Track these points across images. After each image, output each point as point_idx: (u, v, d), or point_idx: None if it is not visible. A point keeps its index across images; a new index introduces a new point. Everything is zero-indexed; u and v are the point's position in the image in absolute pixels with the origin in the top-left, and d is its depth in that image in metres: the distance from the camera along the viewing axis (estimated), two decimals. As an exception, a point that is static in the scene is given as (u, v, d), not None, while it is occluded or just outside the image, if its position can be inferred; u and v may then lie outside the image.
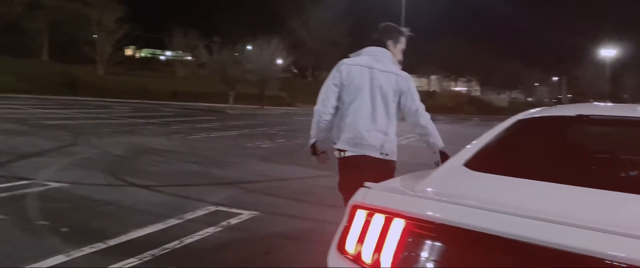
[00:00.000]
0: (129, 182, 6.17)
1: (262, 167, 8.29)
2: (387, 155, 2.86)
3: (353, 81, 2.85)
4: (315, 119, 2.93)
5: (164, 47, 47.01)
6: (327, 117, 2.92)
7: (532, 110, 2.71)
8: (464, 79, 79.14)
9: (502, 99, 75.45)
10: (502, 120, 2.54)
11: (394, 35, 3.07)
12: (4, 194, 5.04)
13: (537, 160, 2.17)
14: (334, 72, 2.92)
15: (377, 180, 2.79)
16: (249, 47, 34.44)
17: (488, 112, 58.51)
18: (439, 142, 2.96)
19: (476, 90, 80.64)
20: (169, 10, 66.95)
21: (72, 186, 5.66)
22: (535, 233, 1.38)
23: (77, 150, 8.70)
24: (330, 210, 4.94)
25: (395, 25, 3.15)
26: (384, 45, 3.00)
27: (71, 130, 11.90)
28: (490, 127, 2.50)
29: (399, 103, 2.92)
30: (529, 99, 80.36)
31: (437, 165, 2.81)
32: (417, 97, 2.93)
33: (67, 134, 11.01)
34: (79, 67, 36.73)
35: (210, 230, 4.24)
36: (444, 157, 2.87)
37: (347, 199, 2.94)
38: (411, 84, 2.94)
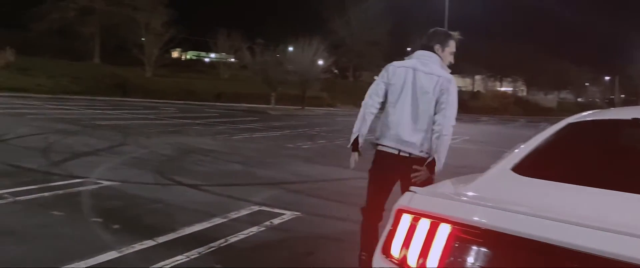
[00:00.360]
0: (177, 181, 6.36)
1: (303, 168, 8.36)
2: (427, 153, 2.98)
3: (397, 81, 3.02)
4: (362, 111, 3.12)
5: (209, 50, 48.08)
6: (374, 110, 3.12)
7: (583, 113, 2.62)
8: (509, 79, 77.03)
9: (549, 99, 72.95)
10: (550, 121, 2.48)
11: (441, 39, 3.14)
12: (60, 192, 5.31)
13: (588, 165, 2.10)
14: (382, 72, 3.13)
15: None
16: (291, 49, 34.72)
17: (535, 113, 56.72)
18: (441, 150, 2.95)
19: (522, 91, 78.32)
20: (213, 13, 68.49)
21: (123, 184, 5.89)
22: (586, 242, 1.35)
23: (127, 149, 9.04)
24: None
25: (444, 30, 3.24)
26: (432, 49, 3.10)
27: (121, 130, 12.37)
28: (537, 128, 2.44)
29: (437, 102, 3.01)
30: (579, 100, 77.33)
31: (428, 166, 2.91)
32: (452, 98, 3.01)
33: (118, 134, 11.46)
34: (128, 69, 38.07)
35: (254, 229, 4.32)
36: (432, 164, 2.92)
37: (376, 193, 3.14)
38: (452, 86, 3.03)
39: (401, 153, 3.00)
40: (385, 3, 53.80)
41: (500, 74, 73.67)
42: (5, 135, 9.64)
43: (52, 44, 37.63)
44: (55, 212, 4.49)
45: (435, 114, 2.98)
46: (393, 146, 3.02)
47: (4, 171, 6.27)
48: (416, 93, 2.97)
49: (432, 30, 3.20)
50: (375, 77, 3.18)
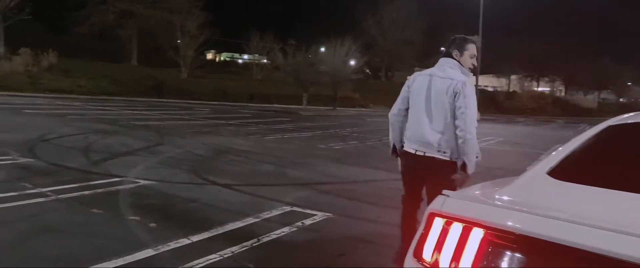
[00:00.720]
0: (211, 181, 6.48)
1: (334, 169, 8.37)
2: (445, 153, 3.16)
3: (416, 88, 3.28)
4: (390, 121, 3.45)
5: (242, 51, 48.79)
6: (400, 118, 3.38)
7: (625, 116, 2.53)
8: (546, 79, 74.94)
9: (589, 99, 70.59)
10: (590, 122, 2.41)
11: (459, 44, 3.31)
12: (99, 190, 5.49)
13: (629, 170, 2.03)
14: (406, 81, 3.41)
15: (435, 176, 3.15)
16: (323, 49, 34.81)
17: (574, 114, 55.01)
18: (466, 152, 3.10)
19: (560, 91, 76.06)
20: (246, 15, 69.37)
21: (159, 184, 6.04)
22: (625, 249, 1.31)
23: (163, 149, 9.26)
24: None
25: (462, 35, 3.39)
26: (451, 56, 3.29)
27: (157, 130, 12.67)
28: (576, 130, 2.38)
29: (454, 106, 3.15)
30: (622, 100, 74.50)
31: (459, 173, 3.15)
32: (469, 101, 3.11)
33: (154, 134, 11.75)
34: (164, 71, 38.98)
35: (286, 229, 4.36)
36: (464, 167, 3.12)
37: (408, 184, 3.42)
38: (466, 88, 3.14)
39: (417, 152, 3.24)
40: (419, 2, 53.36)
41: (538, 74, 71.72)
42: (48, 135, 10.02)
43: (91, 46, 38.89)
44: (95, 210, 4.65)
45: (455, 119, 3.10)
46: (411, 146, 3.28)
47: (47, 170, 6.53)
48: (430, 96, 3.17)
49: (451, 37, 3.37)
50: (408, 77, 3.42)
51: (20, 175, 5.99)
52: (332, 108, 32.37)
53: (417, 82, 3.26)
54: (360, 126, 20.05)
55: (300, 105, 31.68)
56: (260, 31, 42.29)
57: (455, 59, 3.25)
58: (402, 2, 52.47)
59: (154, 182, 6.09)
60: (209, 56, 56.81)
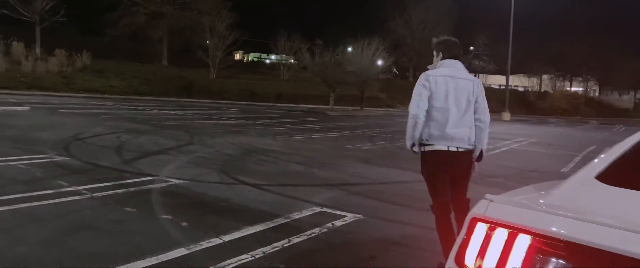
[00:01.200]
0: (240, 181, 6.52)
1: (363, 169, 8.32)
2: (472, 145, 3.53)
3: (440, 89, 3.44)
4: (412, 122, 3.49)
5: (269, 51, 49.05)
6: (423, 119, 3.48)
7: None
8: (579, 79, 72.94)
9: (625, 100, 68.38)
10: (626, 123, 2.30)
11: (461, 48, 3.75)
12: (132, 189, 5.59)
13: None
14: (423, 82, 3.49)
15: (465, 168, 3.53)
16: (350, 49, 34.72)
17: (608, 115, 53.38)
18: (484, 142, 3.60)
19: (594, 91, 73.92)
20: (274, 16, 69.83)
21: (191, 183, 6.11)
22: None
23: (193, 149, 9.37)
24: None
25: (456, 40, 3.75)
26: (457, 58, 3.63)
27: (187, 130, 12.85)
28: (611, 130, 2.27)
29: (475, 102, 3.55)
30: (660, 100, 71.92)
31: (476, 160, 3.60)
32: (484, 97, 3.62)
33: (184, 133, 11.91)
34: (193, 71, 39.56)
35: (316, 231, 4.34)
36: (481, 154, 3.59)
37: (439, 188, 3.49)
38: (482, 87, 3.64)
39: (450, 148, 3.43)
40: (448, 1, 52.63)
41: (571, 73, 69.86)
42: (82, 134, 10.28)
43: (123, 47, 39.78)
44: (128, 209, 4.73)
45: (475, 113, 3.53)
46: (444, 144, 3.44)
47: (82, 168, 6.68)
48: (458, 96, 3.45)
49: (451, 41, 3.69)
50: (428, 78, 3.53)
51: (56, 174, 6.14)
52: (359, 108, 32.26)
53: (440, 84, 3.43)
54: (388, 126, 19.90)
55: (327, 105, 31.66)
56: (288, 31, 42.52)
57: (460, 61, 3.63)
58: (431, 2, 51.85)
59: (185, 181, 6.16)
60: (237, 56, 57.34)
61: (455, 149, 3.43)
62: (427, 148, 3.48)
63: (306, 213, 4.92)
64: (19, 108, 15.61)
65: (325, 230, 4.41)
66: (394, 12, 51.82)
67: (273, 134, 13.68)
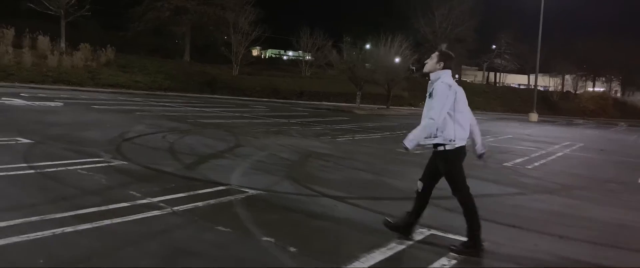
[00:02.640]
0: (318, 191, 5.98)
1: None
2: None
3: (460, 96, 4.04)
4: (432, 128, 3.96)
5: (290, 48, 48.47)
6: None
7: None
8: (602, 79, 71.40)
9: (648, 101, 66.79)
10: None
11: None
12: (211, 201, 5.08)
13: None
14: (449, 92, 3.96)
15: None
16: (368, 46, 34.12)
17: (632, 116, 52.00)
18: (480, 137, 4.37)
19: (616, 91, 72.28)
20: (296, 12, 69.48)
21: (268, 194, 5.59)
22: None
23: (246, 152, 8.85)
24: (566, 243, 4.27)
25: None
26: (450, 68, 4.14)
27: (228, 129, 12.37)
28: None
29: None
30: (685, 102, 70.12)
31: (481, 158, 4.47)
32: None
33: (227, 133, 11.43)
34: (215, 67, 39.15)
35: (446, 262, 3.78)
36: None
37: (462, 177, 4.09)
38: None
39: (466, 144, 4.09)
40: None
41: (593, 73, 68.37)
42: (127, 133, 9.83)
43: (145, 43, 39.49)
44: (221, 228, 4.21)
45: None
46: (464, 141, 4.07)
47: (146, 175, 6.21)
48: (465, 101, 4.14)
49: (452, 55, 4.23)
50: (451, 85, 3.99)
51: (122, 181, 5.66)
52: (385, 107, 31.62)
53: (459, 92, 4.01)
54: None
55: (352, 103, 31.07)
56: (310, 28, 41.89)
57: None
58: (455, 1, 50.88)
59: (261, 192, 5.64)
60: (254, 53, 56.75)
61: (465, 144, 4.06)
62: (454, 146, 3.98)
63: (417, 237, 4.36)
64: (52, 104, 15.26)
65: (454, 262, 3.83)
66: (417, 9, 50.91)
67: (314, 134, 13.14)
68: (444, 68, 4.04)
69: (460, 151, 4.01)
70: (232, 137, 10.86)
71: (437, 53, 4.14)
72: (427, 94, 4.07)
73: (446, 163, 4.02)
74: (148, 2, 36.22)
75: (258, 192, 5.64)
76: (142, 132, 10.27)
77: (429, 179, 4.25)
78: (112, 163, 6.60)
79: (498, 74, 70.24)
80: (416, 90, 44.11)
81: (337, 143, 11.71)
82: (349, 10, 61.23)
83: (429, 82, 4.11)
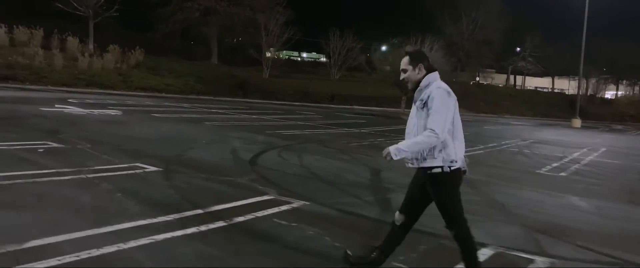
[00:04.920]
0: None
1: (577, 202, 6.27)
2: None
3: (456, 106, 3.21)
4: (436, 145, 3.05)
5: (320, 50, 46.98)
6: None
7: None
8: (625, 82, 70.04)
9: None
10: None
11: None
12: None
13: None
14: (450, 101, 3.11)
15: None
16: (383, 48, 32.65)
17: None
18: None
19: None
20: (326, 15, 68.41)
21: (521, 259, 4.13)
22: None
23: (392, 178, 7.36)
24: None
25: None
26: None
27: (324, 144, 10.95)
28: None
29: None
30: None
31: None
32: None
33: (334, 151, 10.01)
34: (243, 69, 37.76)
35: None
36: None
37: (459, 206, 3.17)
38: None
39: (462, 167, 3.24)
40: (499, 1, 50.27)
41: (617, 76, 66.99)
42: (239, 153, 8.36)
43: (172, 44, 38.06)
44: None
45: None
46: (461, 162, 3.20)
47: (347, 222, 4.76)
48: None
49: (414, 51, 3.30)
50: (448, 91, 3.17)
51: (327, 235, 4.19)
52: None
53: (455, 100, 3.20)
54: (491, 135, 17.76)
55: (389, 107, 29.66)
56: (340, 30, 40.40)
57: None
58: (482, 2, 49.51)
59: (523, 255, 4.20)
60: (268, 54, 55.19)
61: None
62: (452, 167, 3.12)
63: None
64: (112, 112, 13.80)
65: None
66: (444, 10, 49.53)
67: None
68: (428, 71, 3.20)
69: (459, 174, 3.18)
70: (347, 156, 9.45)
71: (407, 58, 3.23)
72: (416, 103, 3.21)
73: (443, 191, 3.16)
74: (177, 2, 34.78)
75: (521, 255, 4.17)
76: (253, 151, 8.79)
77: (413, 210, 3.32)
78: (293, 205, 5.12)
79: (518, 77, 68.78)
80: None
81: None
82: (370, 11, 59.89)
83: (417, 89, 3.22)
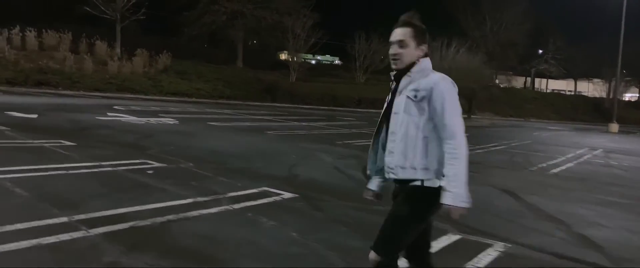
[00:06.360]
0: None
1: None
2: None
3: None
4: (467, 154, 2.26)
5: (345, 54, 46.09)
6: None
7: None
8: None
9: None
10: None
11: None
12: None
13: None
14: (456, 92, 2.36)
15: None
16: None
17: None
18: None
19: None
20: (351, 18, 67.47)
21: None
22: None
23: (536, 201, 6.49)
24: None
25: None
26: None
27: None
28: None
29: None
30: None
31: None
32: None
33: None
34: (268, 73, 36.98)
35: None
36: None
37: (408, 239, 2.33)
38: None
39: None
40: (525, 2, 49.29)
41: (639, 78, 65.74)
42: (347, 171, 7.50)
43: (196, 47, 37.29)
44: None
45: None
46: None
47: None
48: None
49: (420, 25, 2.40)
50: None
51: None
52: (466, 116, 29.27)
53: None
54: (548, 142, 16.81)
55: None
56: (365, 32, 39.49)
57: None
58: (507, 3, 48.56)
59: None
60: (282, 57, 54.39)
61: None
62: (439, 183, 2.24)
63: None
64: (169, 121, 12.98)
65: None
66: (467, 11, 48.59)
67: (507, 163, 10.80)
68: (425, 55, 2.39)
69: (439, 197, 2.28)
70: (479, 175, 8.53)
71: (410, 30, 2.35)
72: (404, 93, 2.33)
73: (427, 209, 2.30)
74: (203, 6, 34.01)
75: None
76: (356, 168, 7.94)
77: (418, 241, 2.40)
78: (495, 247, 4.24)
79: (536, 79, 67.63)
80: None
81: (541, 175, 9.35)
82: (385, 9, 58.94)
83: (406, 75, 2.35)
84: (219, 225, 4.12)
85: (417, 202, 2.30)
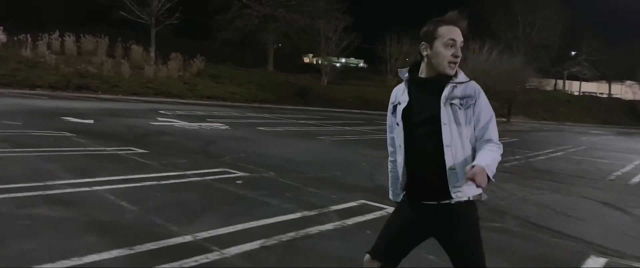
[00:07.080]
0: None
1: None
2: None
3: None
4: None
5: (371, 56, 45.69)
6: None
7: None
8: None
9: None
10: None
11: (425, 33, 2.20)
12: None
13: None
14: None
15: None
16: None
17: None
18: None
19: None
20: (382, 20, 67.08)
21: None
22: None
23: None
24: None
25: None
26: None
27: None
28: None
29: None
30: None
31: None
32: None
33: (509, 174, 8.69)
34: (298, 76, 36.78)
35: None
36: None
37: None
38: None
39: None
40: (557, 3, 48.16)
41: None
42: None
43: (227, 51, 37.33)
44: None
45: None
46: None
47: None
48: None
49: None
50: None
51: None
52: (505, 120, 28.58)
53: None
54: (607, 149, 16.13)
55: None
56: (397, 35, 38.95)
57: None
58: (539, 4, 47.52)
59: None
60: (306, 60, 54.15)
61: None
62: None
63: None
64: (221, 126, 12.79)
65: None
66: (498, 12, 47.68)
67: (580, 172, 10.29)
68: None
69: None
70: (563, 185, 8.12)
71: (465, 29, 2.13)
72: (451, 102, 2.06)
73: (477, 226, 2.12)
74: (236, 10, 34.00)
75: None
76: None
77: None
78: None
79: (569, 82, 66.03)
80: (500, 100, 41.01)
81: (625, 187, 8.82)
82: (414, 12, 58.24)
83: (450, 81, 2.10)
84: (349, 245, 3.81)
85: (476, 220, 2.14)
